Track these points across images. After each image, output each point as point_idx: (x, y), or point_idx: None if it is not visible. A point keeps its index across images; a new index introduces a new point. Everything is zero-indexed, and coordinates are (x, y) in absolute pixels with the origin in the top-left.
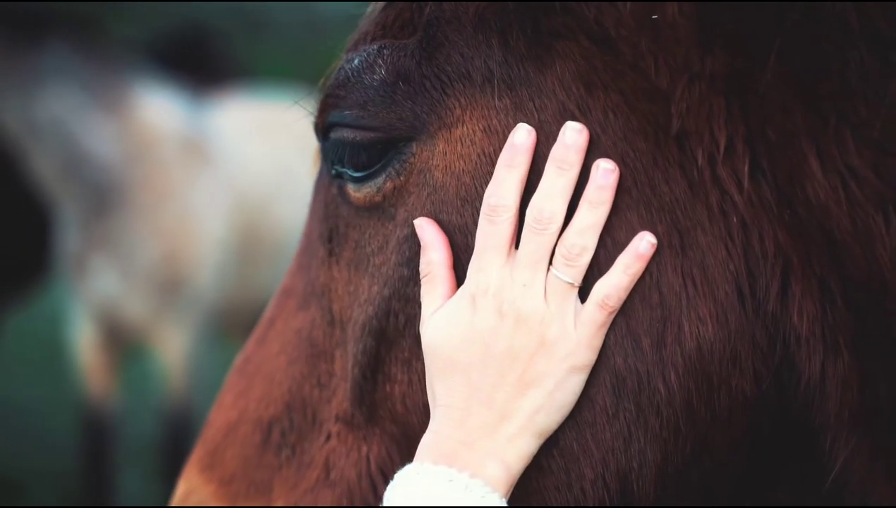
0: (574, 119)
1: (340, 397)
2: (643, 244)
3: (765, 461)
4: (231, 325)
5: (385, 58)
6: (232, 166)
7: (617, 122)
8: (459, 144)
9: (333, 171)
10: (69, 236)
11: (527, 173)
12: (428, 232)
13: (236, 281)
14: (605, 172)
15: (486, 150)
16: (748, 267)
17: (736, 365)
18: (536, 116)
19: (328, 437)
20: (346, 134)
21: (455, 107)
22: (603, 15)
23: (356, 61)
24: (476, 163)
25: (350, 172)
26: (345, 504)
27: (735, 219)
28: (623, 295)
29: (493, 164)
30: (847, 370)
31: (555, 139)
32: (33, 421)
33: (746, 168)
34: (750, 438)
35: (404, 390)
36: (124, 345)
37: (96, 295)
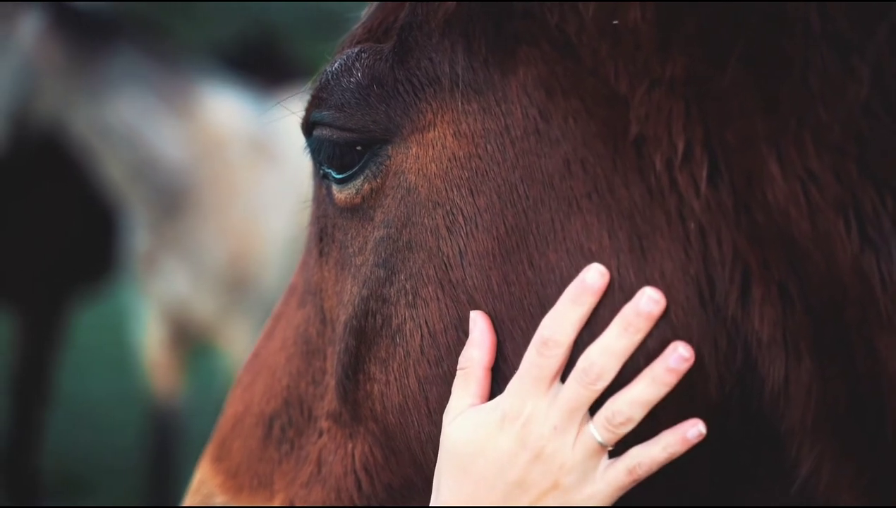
0: (536, 124)
1: (331, 394)
2: (692, 431)
3: (730, 468)
4: None
5: (362, 61)
6: (297, 166)
7: (577, 128)
8: (431, 148)
9: (321, 172)
10: (138, 237)
11: (589, 314)
12: (478, 328)
13: None
14: (679, 359)
15: (456, 154)
16: (707, 272)
17: (700, 368)
18: (503, 120)
19: (321, 434)
20: (325, 132)
21: (427, 111)
22: (565, 21)
23: (337, 64)
24: (447, 167)
25: (333, 173)
26: (332, 500)
27: (693, 225)
28: (655, 468)
29: (463, 168)
30: (810, 376)
31: (521, 144)
32: (101, 418)
33: (704, 172)
34: (714, 443)
35: (382, 389)
36: (191, 344)
37: (165, 294)
